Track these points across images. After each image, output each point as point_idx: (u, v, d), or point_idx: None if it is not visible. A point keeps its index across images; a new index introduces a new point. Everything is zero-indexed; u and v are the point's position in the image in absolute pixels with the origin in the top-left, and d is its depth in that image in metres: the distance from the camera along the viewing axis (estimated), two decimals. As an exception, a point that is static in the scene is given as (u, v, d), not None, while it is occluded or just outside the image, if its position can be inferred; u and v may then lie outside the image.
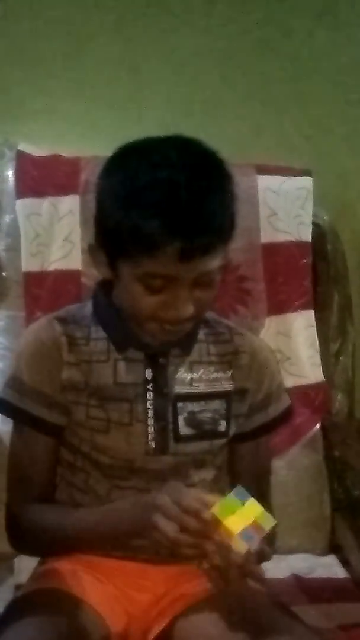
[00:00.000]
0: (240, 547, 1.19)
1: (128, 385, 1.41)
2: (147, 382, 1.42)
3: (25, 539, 1.45)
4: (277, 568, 1.85)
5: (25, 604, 1.38)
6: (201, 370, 1.45)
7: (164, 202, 1.23)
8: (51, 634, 1.24)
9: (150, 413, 1.41)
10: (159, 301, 1.29)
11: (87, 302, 1.48)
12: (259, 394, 1.49)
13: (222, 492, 1.46)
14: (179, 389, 1.43)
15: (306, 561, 1.93)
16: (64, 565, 1.43)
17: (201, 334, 1.46)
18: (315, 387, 2.07)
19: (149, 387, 1.42)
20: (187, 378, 1.44)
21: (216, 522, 1.20)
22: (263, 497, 1.49)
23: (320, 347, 2.09)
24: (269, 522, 1.22)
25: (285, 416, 1.54)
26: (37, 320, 1.53)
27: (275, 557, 1.85)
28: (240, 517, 1.20)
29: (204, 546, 1.20)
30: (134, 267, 1.28)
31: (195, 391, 1.43)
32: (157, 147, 1.30)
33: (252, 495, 1.23)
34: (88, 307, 1.46)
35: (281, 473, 1.93)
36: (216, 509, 1.20)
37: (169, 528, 1.20)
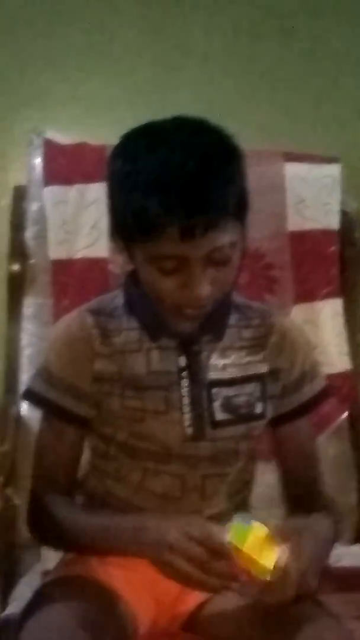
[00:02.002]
0: (264, 570, 1.19)
1: (162, 373, 1.41)
2: (181, 369, 1.41)
3: (44, 529, 1.46)
4: (304, 557, 1.85)
5: (53, 590, 1.39)
6: (234, 355, 1.44)
7: (161, 182, 1.22)
8: (78, 621, 1.25)
9: (186, 400, 1.41)
10: (175, 283, 1.28)
11: (119, 291, 1.48)
12: (293, 373, 1.48)
13: (247, 483, 1.47)
14: (212, 375, 1.43)
15: (333, 550, 1.92)
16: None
17: (232, 319, 1.46)
18: (343, 375, 2.06)
19: (183, 374, 1.41)
20: (220, 364, 1.43)
21: (235, 550, 1.20)
22: (311, 484, 1.49)
23: (347, 336, 2.08)
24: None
25: (322, 397, 1.52)
26: (67, 312, 1.52)
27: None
28: (255, 539, 1.20)
29: (227, 584, 1.22)
30: (145, 250, 1.28)
31: (229, 376, 1.43)
32: (158, 130, 1.30)
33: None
34: (119, 297, 1.46)
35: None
36: (232, 536, 1.20)
37: (183, 566, 1.22)
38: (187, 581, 1.24)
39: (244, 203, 1.31)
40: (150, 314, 1.41)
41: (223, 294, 1.35)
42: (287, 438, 1.51)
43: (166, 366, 1.41)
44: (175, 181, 1.22)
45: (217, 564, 1.21)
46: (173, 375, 1.41)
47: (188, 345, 1.42)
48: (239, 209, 1.29)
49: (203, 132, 1.29)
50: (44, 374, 1.44)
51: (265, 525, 1.22)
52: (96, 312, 1.44)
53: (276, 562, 1.19)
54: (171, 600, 1.43)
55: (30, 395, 1.47)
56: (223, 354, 1.44)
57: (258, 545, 1.20)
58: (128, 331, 1.42)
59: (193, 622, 1.43)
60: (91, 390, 1.41)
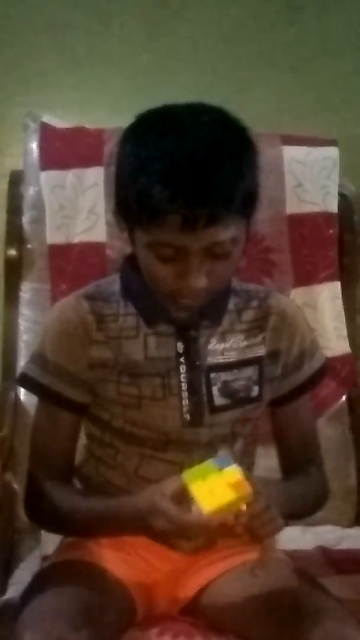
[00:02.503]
0: (203, 508, 1.18)
1: (159, 359, 1.41)
2: (179, 355, 1.41)
3: (42, 513, 1.45)
4: (304, 540, 1.85)
5: (52, 574, 1.39)
6: (232, 339, 1.44)
7: (168, 169, 1.21)
8: (77, 604, 1.25)
9: (184, 386, 1.41)
10: (171, 271, 1.28)
11: (115, 276, 1.47)
12: (292, 353, 1.48)
13: (249, 466, 1.47)
14: (211, 359, 1.42)
15: (333, 533, 1.93)
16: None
17: (231, 304, 1.45)
18: (341, 359, 2.06)
19: (181, 360, 1.41)
20: (218, 348, 1.43)
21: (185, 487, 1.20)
22: (310, 463, 1.50)
23: (346, 319, 2.08)
24: (243, 490, 1.20)
25: (322, 373, 1.52)
26: (64, 297, 1.51)
27: (301, 528, 1.88)
28: (210, 482, 1.20)
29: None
30: (145, 235, 1.27)
31: (228, 360, 1.43)
32: (170, 114, 1.28)
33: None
34: (116, 282, 1.45)
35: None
36: (185, 475, 1.21)
37: (167, 527, 1.22)
38: (170, 543, 1.25)
39: (251, 200, 1.29)
40: (147, 299, 1.40)
41: (220, 286, 1.35)
42: (287, 418, 1.51)
43: (164, 352, 1.41)
44: (182, 169, 1.21)
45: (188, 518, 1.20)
46: (171, 361, 1.41)
47: (186, 331, 1.41)
48: (246, 206, 1.27)
49: (218, 122, 1.27)
50: (38, 359, 1.43)
51: (243, 475, 1.22)
52: (92, 298, 1.43)
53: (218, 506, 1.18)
54: (169, 585, 1.43)
55: (25, 381, 1.46)
56: (222, 338, 1.43)
57: (212, 486, 1.19)
58: (125, 317, 1.42)
59: (193, 606, 1.43)
60: (87, 377, 1.41)
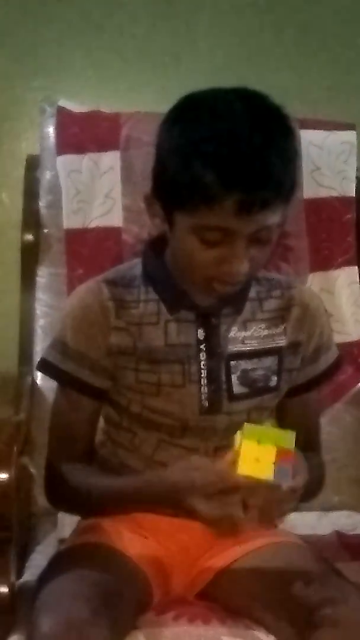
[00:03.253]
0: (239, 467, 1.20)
1: (180, 346, 1.41)
2: (199, 342, 1.41)
3: (62, 497, 1.47)
4: (320, 525, 1.85)
5: (68, 558, 1.40)
6: (253, 328, 1.44)
7: (224, 153, 1.21)
8: (93, 588, 1.25)
9: (204, 373, 1.41)
10: (214, 256, 1.28)
11: (137, 261, 1.47)
12: (311, 345, 1.48)
13: None
14: (231, 347, 1.42)
15: (349, 518, 1.92)
16: (107, 520, 1.44)
17: (252, 292, 1.45)
18: (359, 344, 2.05)
19: (202, 347, 1.41)
20: (239, 336, 1.43)
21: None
22: (311, 450, 1.50)
23: (363, 304, 2.07)
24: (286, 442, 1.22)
25: (336, 367, 1.54)
26: (80, 282, 1.51)
27: (317, 514, 1.88)
28: (261, 449, 1.21)
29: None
30: (191, 219, 1.27)
31: (248, 349, 1.43)
32: (221, 99, 1.28)
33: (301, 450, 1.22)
34: (137, 267, 1.45)
35: (324, 430, 1.90)
36: (245, 428, 1.22)
37: (208, 508, 1.23)
38: (210, 520, 1.26)
39: (294, 184, 1.30)
40: (169, 285, 1.40)
41: (256, 272, 1.35)
42: (295, 408, 1.52)
43: (184, 339, 1.41)
44: (240, 153, 1.21)
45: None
46: (191, 348, 1.41)
47: (207, 318, 1.41)
48: (290, 191, 1.29)
49: (267, 108, 1.28)
50: (59, 345, 1.43)
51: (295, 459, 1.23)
52: (113, 283, 1.43)
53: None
54: (185, 570, 1.43)
55: (46, 367, 1.46)
56: (243, 326, 1.43)
57: (260, 455, 1.21)
58: (145, 303, 1.42)
59: (209, 591, 1.43)
60: (106, 363, 1.41)
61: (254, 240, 1.28)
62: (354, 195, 2.07)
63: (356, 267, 2.07)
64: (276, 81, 2.18)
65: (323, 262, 2.04)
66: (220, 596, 1.42)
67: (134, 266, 1.46)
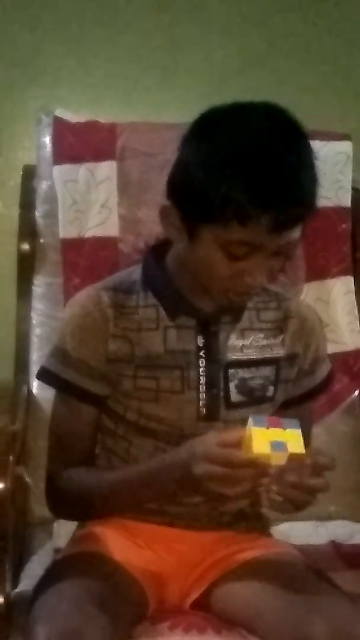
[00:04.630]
0: (255, 447, 1.17)
1: (179, 352, 1.41)
2: (199, 348, 1.41)
3: (64, 502, 1.46)
4: (316, 534, 1.85)
5: (64, 567, 1.40)
6: (252, 337, 1.44)
7: (260, 172, 1.21)
8: (89, 597, 1.25)
9: (203, 380, 1.41)
10: (238, 269, 1.28)
11: (136, 267, 1.47)
12: (307, 358, 1.49)
13: None
14: (230, 355, 1.42)
15: (345, 528, 1.92)
16: (103, 530, 1.44)
17: (250, 302, 1.45)
18: (354, 353, 2.05)
19: (201, 354, 1.41)
20: (238, 345, 1.43)
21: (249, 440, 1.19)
22: None
23: (358, 314, 2.07)
24: (297, 448, 1.19)
25: (330, 379, 1.55)
26: (77, 291, 1.51)
27: (313, 523, 1.88)
28: (271, 433, 1.18)
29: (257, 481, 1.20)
30: (220, 233, 1.26)
31: (247, 357, 1.43)
32: (249, 114, 1.28)
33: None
34: (137, 273, 1.45)
35: (319, 440, 1.93)
36: (252, 419, 1.19)
37: (210, 469, 1.20)
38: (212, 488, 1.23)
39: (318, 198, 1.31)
40: (170, 291, 1.40)
41: (270, 283, 1.37)
42: None
43: (184, 345, 1.41)
44: (276, 174, 1.22)
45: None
46: (191, 354, 1.41)
47: (206, 325, 1.42)
48: (316, 205, 1.30)
49: (292, 124, 1.29)
50: (59, 353, 1.43)
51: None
52: (112, 290, 1.43)
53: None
54: (180, 580, 1.43)
55: (46, 375, 1.46)
56: (241, 334, 1.43)
57: (272, 438, 1.18)
58: (145, 308, 1.42)
59: (204, 601, 1.43)
60: (105, 370, 1.41)
61: (276, 253, 1.29)
62: (350, 206, 2.08)
63: (351, 277, 2.07)
64: (271, 91, 2.18)
65: (319, 271, 2.04)
66: (215, 606, 1.41)
67: (133, 272, 1.46)
